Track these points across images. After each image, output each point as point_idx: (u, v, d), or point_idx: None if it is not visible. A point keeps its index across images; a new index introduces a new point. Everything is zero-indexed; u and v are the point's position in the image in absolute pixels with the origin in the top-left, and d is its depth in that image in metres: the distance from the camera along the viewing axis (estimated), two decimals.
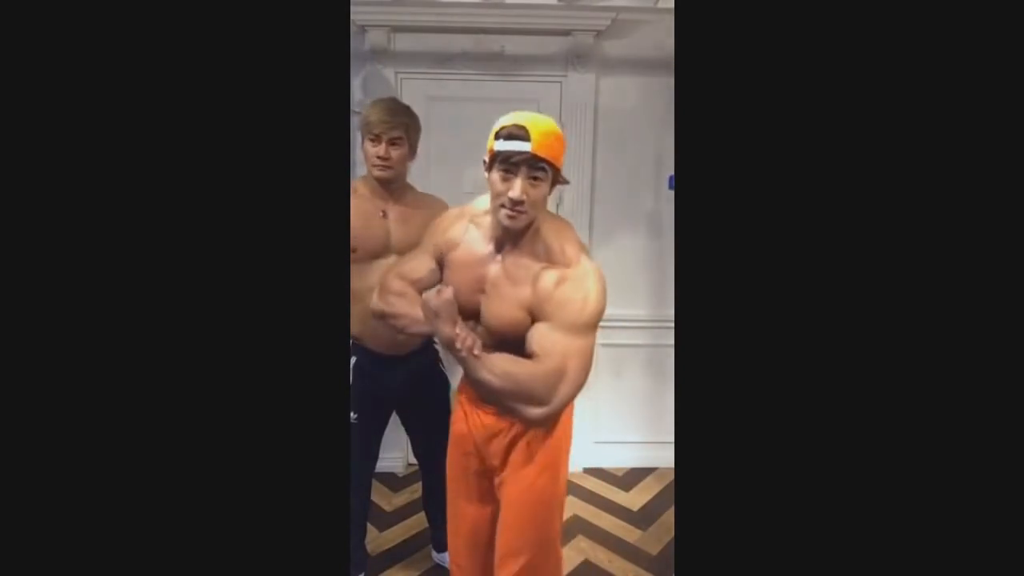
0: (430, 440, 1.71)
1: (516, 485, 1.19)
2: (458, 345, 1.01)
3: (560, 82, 2.18)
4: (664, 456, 2.44)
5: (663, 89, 2.16)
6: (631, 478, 2.38)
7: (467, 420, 1.24)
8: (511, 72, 2.16)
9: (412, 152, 1.50)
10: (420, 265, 1.21)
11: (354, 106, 2.11)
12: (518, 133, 0.98)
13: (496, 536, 1.22)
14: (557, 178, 1.05)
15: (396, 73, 2.16)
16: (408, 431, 1.76)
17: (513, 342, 1.07)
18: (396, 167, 1.47)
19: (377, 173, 1.45)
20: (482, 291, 1.12)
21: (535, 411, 1.02)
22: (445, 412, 1.71)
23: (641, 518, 2.12)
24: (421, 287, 1.18)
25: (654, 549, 1.96)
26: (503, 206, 1.02)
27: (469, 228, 1.17)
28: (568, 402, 1.05)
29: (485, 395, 1.14)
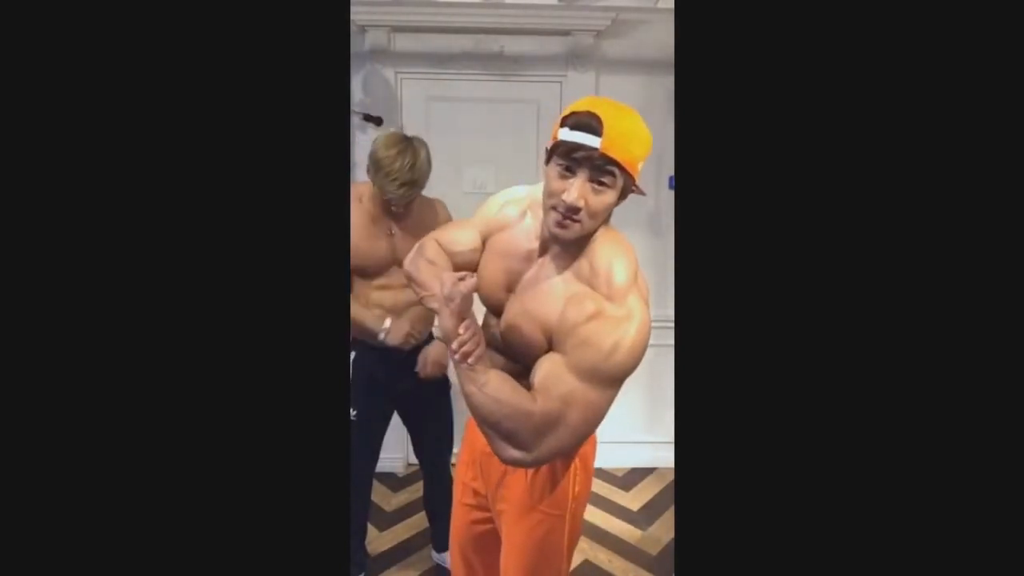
0: (431, 440, 1.71)
1: (517, 526, 1.04)
2: (454, 346, 0.84)
3: (560, 82, 2.18)
4: (664, 456, 2.45)
5: (663, 89, 2.16)
6: (631, 478, 2.38)
7: (473, 428, 1.09)
8: (511, 72, 2.16)
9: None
10: (463, 237, 1.04)
11: (354, 106, 2.11)
12: (589, 123, 0.78)
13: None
14: (629, 187, 0.85)
15: (396, 73, 2.16)
16: (409, 430, 1.76)
17: (524, 359, 0.92)
18: (409, 207, 1.50)
19: (394, 210, 1.48)
20: (511, 291, 0.96)
21: (512, 452, 0.84)
22: (447, 411, 1.72)
23: (641, 518, 2.13)
24: (456, 261, 1.03)
25: (654, 549, 1.96)
26: (555, 208, 0.82)
27: (527, 215, 0.99)
28: (557, 455, 0.88)
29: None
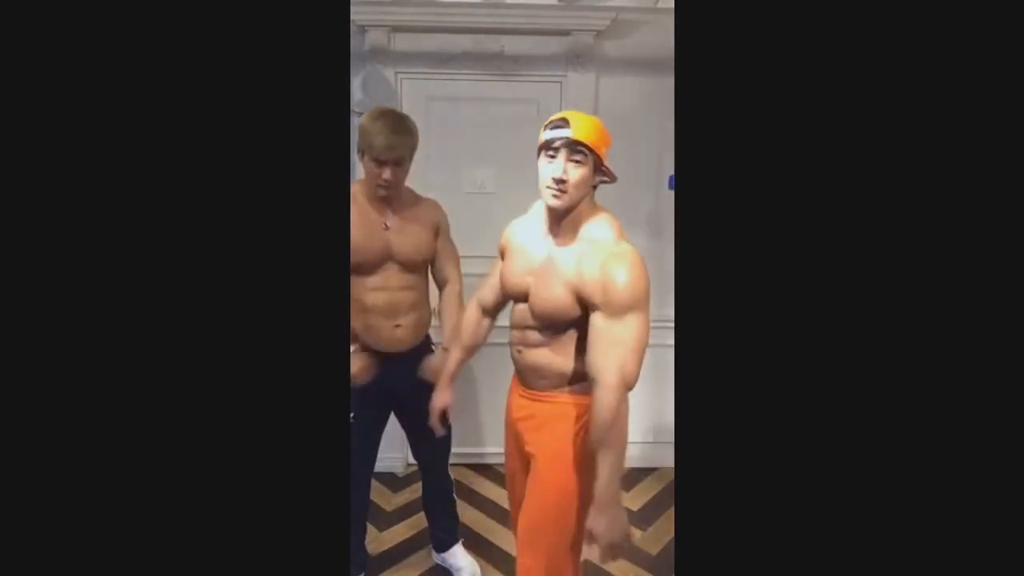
0: (429, 441, 1.70)
1: (539, 472, 1.22)
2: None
3: (560, 82, 2.18)
4: (664, 456, 2.44)
5: (663, 89, 2.15)
6: (631, 478, 2.38)
7: (510, 396, 1.34)
8: (511, 72, 2.16)
9: (407, 170, 1.50)
10: (491, 283, 1.38)
11: (354, 106, 2.11)
12: (560, 123, 1.12)
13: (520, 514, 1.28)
14: (600, 167, 1.15)
15: (396, 73, 2.16)
16: (407, 432, 1.75)
17: (559, 325, 1.16)
18: (399, 186, 1.48)
19: (382, 194, 1.46)
20: (532, 274, 1.20)
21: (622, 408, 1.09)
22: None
23: (641, 518, 2.12)
24: (489, 305, 1.40)
25: (654, 549, 1.96)
26: (548, 186, 1.13)
27: (530, 217, 1.29)
28: (633, 371, 1.10)
29: (526, 380, 1.25)
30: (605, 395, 1.08)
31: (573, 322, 1.15)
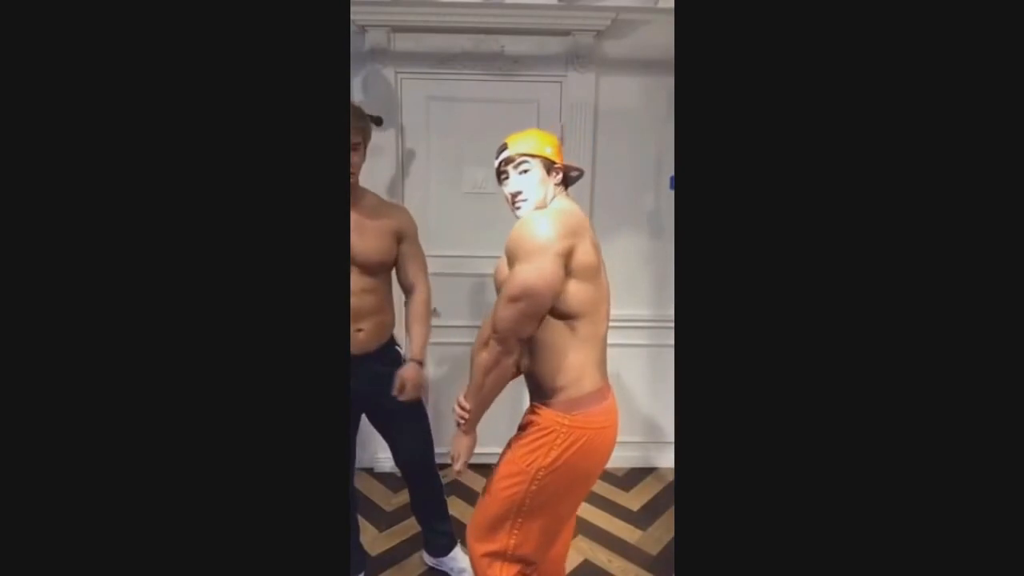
0: (410, 442, 1.66)
1: (494, 473, 1.27)
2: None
3: (560, 82, 2.18)
4: (664, 456, 2.45)
5: (663, 89, 2.16)
6: (631, 478, 2.38)
7: None
8: (511, 72, 2.16)
9: (364, 157, 1.48)
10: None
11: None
12: (501, 148, 1.25)
13: None
14: (552, 166, 1.23)
15: (396, 73, 2.16)
16: (384, 436, 1.69)
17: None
18: (356, 173, 1.44)
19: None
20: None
21: (484, 355, 1.16)
22: (420, 416, 1.65)
23: (641, 518, 2.13)
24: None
25: (654, 549, 1.96)
26: (511, 203, 1.23)
27: None
28: (503, 318, 1.12)
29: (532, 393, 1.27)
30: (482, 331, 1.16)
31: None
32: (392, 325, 1.59)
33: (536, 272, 1.08)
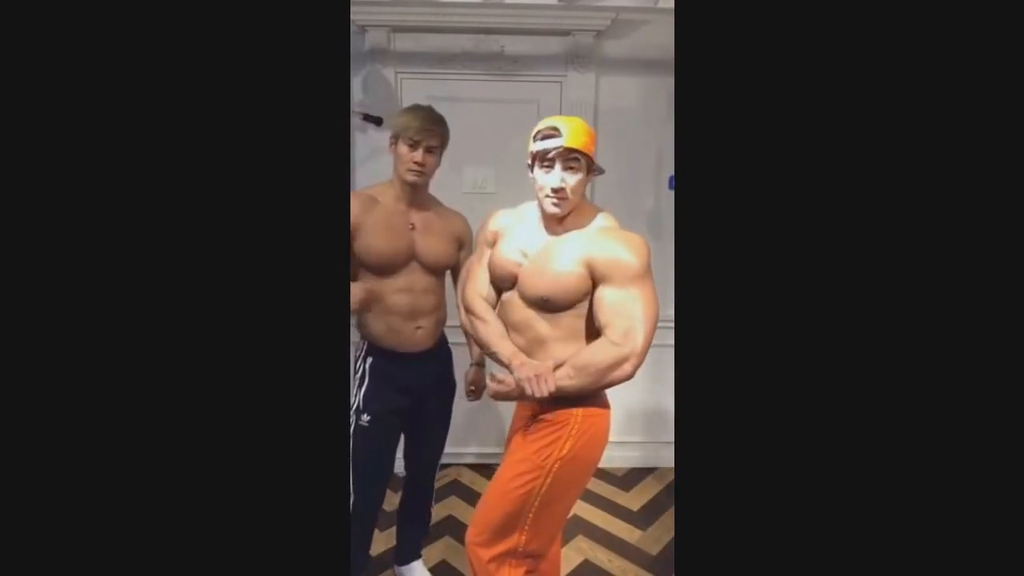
0: (428, 445, 1.68)
1: (503, 466, 1.26)
2: (532, 391, 1.11)
3: (560, 82, 2.18)
4: (664, 456, 2.44)
5: (663, 89, 2.16)
6: (631, 478, 2.38)
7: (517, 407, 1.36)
8: (511, 72, 2.16)
9: (439, 162, 1.53)
10: (483, 279, 1.33)
11: (354, 106, 2.11)
12: (551, 132, 1.14)
13: None
14: (591, 167, 1.18)
15: (396, 73, 2.16)
16: (409, 432, 1.71)
17: (555, 305, 1.17)
18: (428, 174, 1.50)
19: (411, 178, 1.47)
20: (526, 257, 1.23)
21: (626, 368, 1.11)
22: (448, 418, 1.70)
23: (641, 518, 2.12)
24: (492, 301, 1.33)
25: (654, 549, 1.96)
26: (547, 196, 1.16)
27: (525, 212, 1.30)
28: (648, 338, 1.12)
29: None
30: (603, 347, 1.10)
31: (566, 305, 1.16)
32: (444, 323, 1.64)
33: (655, 293, 1.15)
